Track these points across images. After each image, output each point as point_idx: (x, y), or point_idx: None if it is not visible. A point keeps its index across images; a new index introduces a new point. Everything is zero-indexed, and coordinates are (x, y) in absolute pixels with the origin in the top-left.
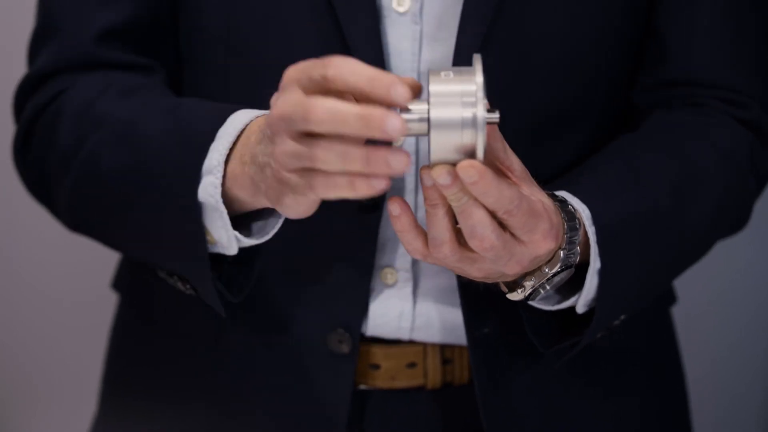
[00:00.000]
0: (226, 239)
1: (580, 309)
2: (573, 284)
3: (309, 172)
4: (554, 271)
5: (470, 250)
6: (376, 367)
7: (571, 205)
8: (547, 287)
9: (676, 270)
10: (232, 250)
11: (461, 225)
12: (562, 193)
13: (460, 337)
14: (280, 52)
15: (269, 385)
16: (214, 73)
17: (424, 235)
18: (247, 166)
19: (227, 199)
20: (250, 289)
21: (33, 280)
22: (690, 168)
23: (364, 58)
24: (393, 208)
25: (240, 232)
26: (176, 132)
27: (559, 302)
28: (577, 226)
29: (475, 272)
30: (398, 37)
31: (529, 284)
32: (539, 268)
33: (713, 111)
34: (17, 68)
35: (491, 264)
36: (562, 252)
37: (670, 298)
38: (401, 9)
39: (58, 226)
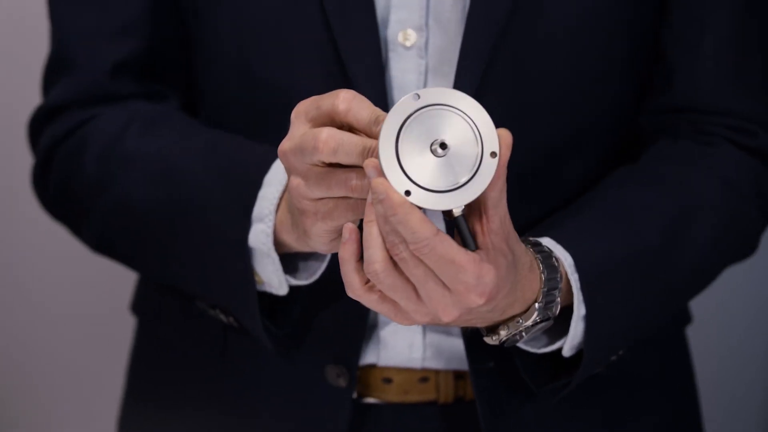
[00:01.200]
0: (276, 282)
1: (567, 353)
2: (560, 327)
3: (323, 200)
4: (528, 324)
5: (403, 277)
6: (389, 381)
7: (555, 257)
8: (524, 335)
9: (671, 306)
10: (282, 290)
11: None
12: (547, 241)
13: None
14: (286, 84)
15: (271, 407)
16: (228, 104)
17: (364, 274)
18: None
19: (278, 241)
20: (294, 322)
21: (40, 293)
22: (688, 201)
23: (367, 92)
24: (344, 233)
25: (287, 271)
26: (220, 175)
27: (546, 345)
28: (558, 280)
29: (410, 311)
30: (403, 70)
31: (503, 333)
32: (513, 319)
33: (718, 139)
34: (17, 72)
35: (407, 303)
36: (537, 306)
37: (685, 317)
38: (408, 43)
39: (62, 240)
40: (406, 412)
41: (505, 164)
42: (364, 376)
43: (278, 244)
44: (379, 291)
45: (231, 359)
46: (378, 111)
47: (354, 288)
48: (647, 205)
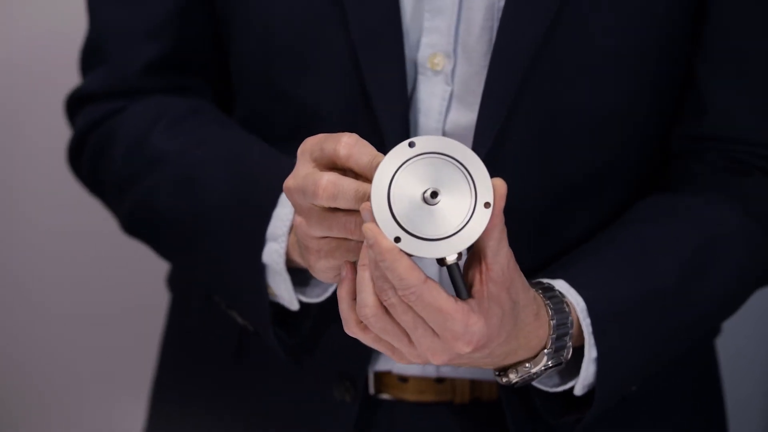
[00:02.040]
0: (288, 298)
1: (578, 392)
2: (572, 366)
3: (326, 239)
4: (537, 370)
5: (395, 322)
6: (405, 380)
7: (566, 302)
8: (536, 379)
9: (687, 342)
10: (293, 306)
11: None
12: (560, 284)
13: (487, 373)
14: (311, 103)
15: (277, 417)
16: (260, 114)
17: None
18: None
19: (290, 260)
20: (305, 332)
21: (40, 292)
22: (710, 237)
23: (389, 116)
24: (342, 271)
25: (298, 287)
26: (239, 190)
27: (559, 384)
28: (569, 326)
29: (404, 353)
30: (429, 95)
31: (512, 376)
32: (521, 363)
33: (749, 168)
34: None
35: (400, 345)
36: (546, 353)
37: (714, 330)
38: (437, 68)
39: (62, 240)
40: (422, 411)
41: (500, 214)
42: (380, 374)
43: (291, 260)
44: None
45: (243, 364)
46: (379, 156)
47: (350, 326)
48: (667, 242)
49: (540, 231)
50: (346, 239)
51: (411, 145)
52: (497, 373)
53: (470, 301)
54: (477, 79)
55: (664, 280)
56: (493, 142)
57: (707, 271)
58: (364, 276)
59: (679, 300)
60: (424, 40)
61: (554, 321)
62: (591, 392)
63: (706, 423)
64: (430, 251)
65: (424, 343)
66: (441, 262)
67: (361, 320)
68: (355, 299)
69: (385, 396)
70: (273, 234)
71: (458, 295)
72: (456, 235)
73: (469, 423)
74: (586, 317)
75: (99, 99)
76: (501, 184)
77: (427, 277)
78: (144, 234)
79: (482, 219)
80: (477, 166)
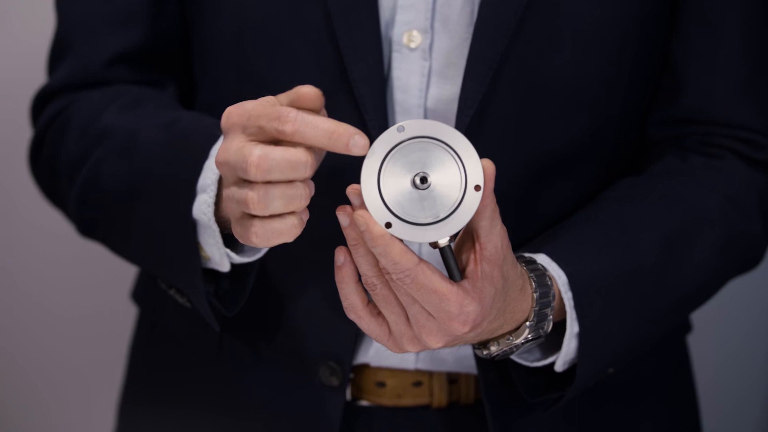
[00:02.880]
0: (218, 256)
1: (559, 368)
2: (553, 341)
3: (249, 217)
4: (519, 341)
5: (396, 299)
6: (382, 384)
7: (548, 275)
8: (515, 351)
9: (667, 323)
10: (224, 267)
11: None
12: (542, 258)
13: (467, 367)
14: (285, 82)
15: (264, 407)
16: (227, 98)
17: (363, 293)
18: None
19: (223, 217)
20: (242, 305)
21: (39, 293)
22: (688, 218)
23: (366, 91)
24: (338, 257)
25: (234, 250)
26: (172, 147)
27: (540, 359)
28: (551, 299)
29: (401, 335)
30: (406, 72)
31: (493, 348)
32: (503, 336)
33: (725, 152)
34: (14, 74)
35: (397, 323)
36: (528, 325)
37: (686, 326)
38: (412, 45)
39: (61, 240)
40: (400, 416)
41: (491, 195)
42: (357, 379)
43: (226, 219)
44: (378, 312)
45: (225, 357)
46: (335, 126)
47: (356, 308)
48: (646, 221)
49: (521, 204)
50: (252, 217)
51: (400, 129)
52: (477, 346)
53: (464, 281)
54: (458, 51)
55: (644, 256)
56: (477, 113)
57: (686, 251)
58: (359, 251)
59: (659, 277)
60: (399, 18)
61: (537, 294)
62: (571, 372)
63: (679, 418)
64: (421, 236)
65: (420, 320)
66: (433, 245)
67: (367, 289)
68: (357, 282)
69: (363, 402)
70: (203, 185)
71: (451, 277)
72: (447, 218)
73: (447, 427)
74: (567, 290)
75: (63, 93)
76: (490, 165)
77: (421, 260)
78: (93, 220)
79: (473, 202)
80: (466, 149)
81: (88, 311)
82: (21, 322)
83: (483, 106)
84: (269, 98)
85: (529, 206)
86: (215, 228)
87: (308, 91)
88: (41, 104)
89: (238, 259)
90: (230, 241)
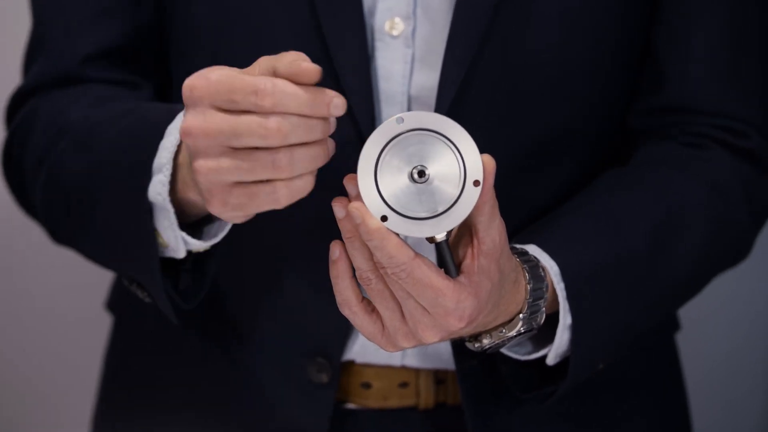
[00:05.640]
0: (174, 241)
1: (551, 361)
2: (545, 334)
3: (240, 186)
4: (512, 334)
5: (391, 294)
6: (368, 386)
7: (541, 266)
8: (507, 344)
9: (658, 315)
10: (180, 252)
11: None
12: (533, 249)
13: (451, 363)
14: None
15: (249, 405)
16: None
17: (358, 289)
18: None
19: (180, 200)
20: (202, 297)
21: (38, 295)
22: (675, 207)
23: (352, 81)
24: (333, 251)
25: (193, 236)
26: (127, 132)
27: (531, 352)
28: (544, 290)
29: (395, 331)
30: (389, 60)
31: (486, 341)
32: (497, 328)
33: (708, 141)
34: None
35: (392, 318)
36: (521, 317)
37: (674, 324)
38: (395, 32)
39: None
40: (387, 418)
41: (490, 191)
42: (342, 381)
43: (185, 202)
44: (372, 309)
45: (210, 358)
46: (320, 92)
47: (350, 304)
48: (634, 211)
49: (505, 193)
50: (263, 183)
51: (399, 121)
52: (468, 339)
53: (460, 276)
54: (440, 38)
55: (634, 246)
56: (457, 96)
57: (675, 239)
58: (354, 245)
59: (649, 266)
60: (381, 5)
61: (530, 285)
62: (562, 367)
63: (668, 416)
64: (417, 230)
65: (415, 315)
66: (430, 240)
67: (361, 284)
68: (352, 277)
69: (349, 405)
70: (158, 165)
71: (447, 273)
72: (445, 213)
73: (435, 428)
74: (560, 281)
75: (37, 92)
76: (490, 160)
77: (417, 254)
78: (57, 219)
79: (471, 197)
80: (466, 142)
81: (92, 312)
82: (22, 322)
83: (463, 89)
84: (233, 69)
85: (512, 195)
86: (170, 208)
87: (310, 68)
88: (16, 105)
89: (194, 243)
90: (190, 228)
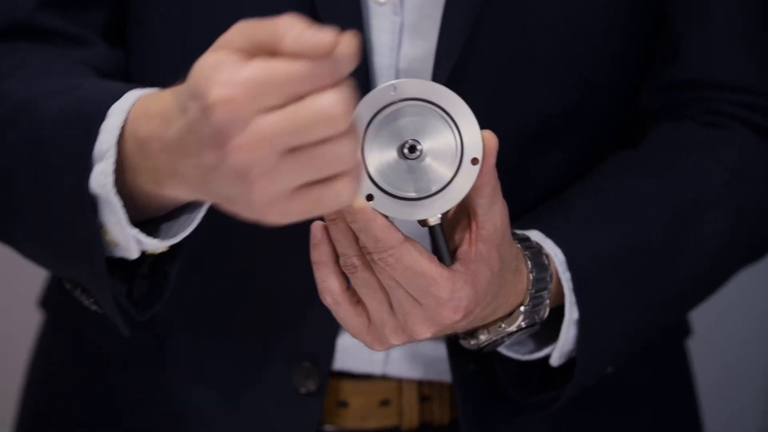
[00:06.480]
0: (124, 239)
1: (555, 362)
2: (548, 331)
3: (295, 192)
4: (512, 329)
5: (378, 283)
6: (344, 404)
7: (545, 253)
8: (506, 341)
9: (674, 312)
10: (132, 252)
11: None
12: (535, 234)
13: (440, 372)
14: None
15: (220, 417)
16: (162, 69)
17: (342, 277)
18: (152, 151)
19: (131, 191)
20: (159, 308)
21: None
22: (694, 194)
23: None
24: (314, 234)
25: (149, 234)
26: (67, 112)
27: (533, 351)
28: (548, 281)
29: (383, 325)
30: (377, 29)
31: (483, 337)
32: (495, 323)
33: (729, 120)
34: None
35: (379, 311)
36: (522, 310)
37: (685, 329)
38: None
39: None
40: None
41: (490, 171)
42: None
43: (137, 192)
44: (357, 301)
45: (172, 368)
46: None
47: (333, 293)
48: (648, 196)
49: (507, 173)
50: (325, 181)
51: (391, 89)
52: (463, 335)
53: (456, 263)
54: (433, 3)
55: (649, 233)
56: (456, 69)
57: (694, 227)
58: (339, 226)
59: (664, 261)
60: None
61: (533, 274)
62: (567, 369)
63: (675, 426)
64: (408, 212)
65: (405, 307)
66: (422, 223)
67: (346, 272)
68: (335, 263)
69: (327, 427)
70: (100, 151)
71: (441, 260)
72: (438, 194)
73: None
74: (565, 270)
75: None
76: (491, 137)
77: (406, 237)
78: None
79: (469, 177)
80: (465, 116)
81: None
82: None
83: (462, 61)
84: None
85: (515, 176)
86: (117, 202)
87: (326, 40)
88: None
89: (149, 242)
90: (144, 225)
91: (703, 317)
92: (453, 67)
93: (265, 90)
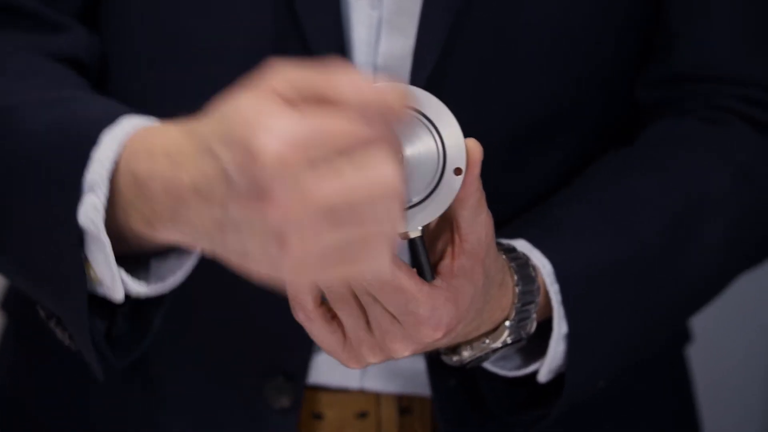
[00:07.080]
0: (109, 279)
1: (543, 378)
2: (537, 346)
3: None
4: (497, 345)
5: (354, 299)
6: (320, 416)
7: (531, 265)
8: (490, 357)
9: (672, 321)
10: (117, 294)
11: None
12: (521, 244)
13: (420, 386)
14: (217, 40)
15: None
16: (141, 41)
17: (316, 292)
18: (152, 192)
19: (119, 226)
20: (139, 353)
21: None
22: (695, 194)
23: (324, 53)
24: None
25: (136, 270)
26: (58, 129)
27: (519, 367)
28: (535, 294)
29: (359, 343)
30: (354, 24)
31: (466, 354)
32: (479, 339)
33: (730, 116)
34: None
35: (356, 328)
36: (508, 325)
37: (684, 336)
38: None
39: None
40: None
41: (475, 182)
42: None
43: (126, 229)
44: (332, 316)
45: (138, 382)
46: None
47: (306, 308)
48: (645, 198)
49: (493, 181)
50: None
51: None
52: (445, 351)
53: (437, 278)
54: None
55: (645, 240)
56: (437, 68)
57: (695, 233)
58: None
59: (664, 264)
60: None
61: (519, 287)
62: (556, 384)
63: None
64: None
65: (383, 325)
66: (402, 235)
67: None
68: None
69: None
70: (91, 182)
71: (421, 275)
72: (419, 206)
73: None
74: (554, 282)
75: None
76: (476, 146)
77: None
78: None
79: (452, 188)
80: (448, 124)
81: None
82: None
83: (444, 58)
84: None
85: (500, 183)
86: (106, 241)
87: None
88: None
89: (135, 286)
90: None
91: (704, 317)
92: (433, 65)
93: (319, 148)
